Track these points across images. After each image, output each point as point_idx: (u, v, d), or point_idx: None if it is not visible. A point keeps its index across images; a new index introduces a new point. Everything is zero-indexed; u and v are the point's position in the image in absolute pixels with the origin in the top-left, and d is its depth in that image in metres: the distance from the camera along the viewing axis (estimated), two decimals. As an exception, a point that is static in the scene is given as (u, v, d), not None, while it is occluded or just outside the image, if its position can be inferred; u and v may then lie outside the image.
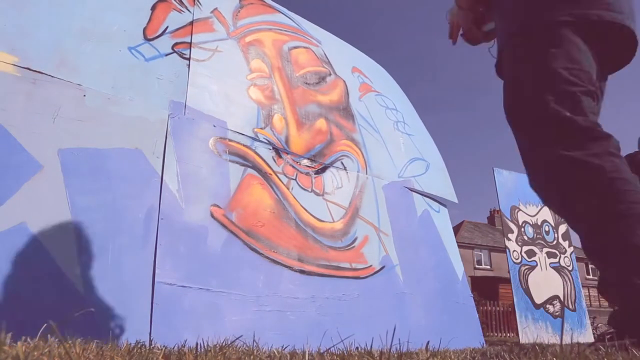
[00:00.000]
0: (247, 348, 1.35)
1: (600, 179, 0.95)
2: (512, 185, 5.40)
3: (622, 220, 0.92)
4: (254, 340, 1.54)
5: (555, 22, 1.11)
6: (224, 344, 1.34)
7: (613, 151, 0.98)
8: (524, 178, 5.85)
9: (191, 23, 2.56)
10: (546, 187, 1.09)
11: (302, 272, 2.37)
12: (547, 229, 5.39)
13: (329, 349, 1.51)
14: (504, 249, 4.49)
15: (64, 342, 0.86)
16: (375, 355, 1.10)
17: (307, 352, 1.22)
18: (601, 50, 1.10)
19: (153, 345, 1.23)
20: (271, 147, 2.61)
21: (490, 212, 31.03)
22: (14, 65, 1.82)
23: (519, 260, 4.92)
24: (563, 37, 1.09)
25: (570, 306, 5.26)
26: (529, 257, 5.01)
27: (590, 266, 30.46)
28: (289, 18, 3.36)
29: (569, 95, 1.04)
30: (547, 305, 4.85)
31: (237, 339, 1.47)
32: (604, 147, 0.97)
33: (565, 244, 5.72)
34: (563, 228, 5.78)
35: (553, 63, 1.07)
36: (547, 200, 1.13)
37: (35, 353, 0.80)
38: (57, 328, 0.77)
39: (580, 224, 1.01)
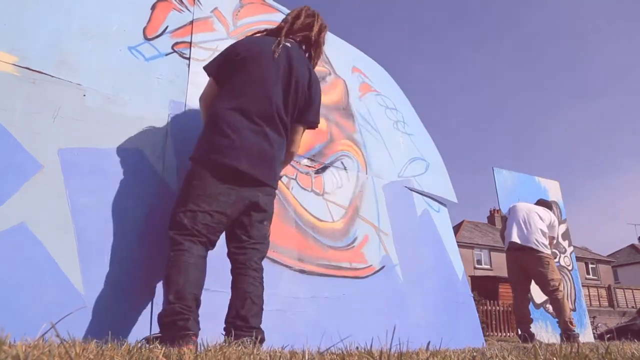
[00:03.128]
0: (247, 348, 1.35)
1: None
2: (512, 184, 5.41)
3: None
4: (254, 340, 1.54)
5: (201, 164, 1.77)
6: (224, 343, 1.34)
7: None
8: (524, 178, 5.91)
9: (191, 22, 2.56)
10: None
11: (302, 271, 2.37)
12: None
13: (329, 348, 1.51)
14: (503, 249, 4.48)
15: (64, 342, 0.86)
16: (375, 355, 1.10)
17: (307, 352, 1.22)
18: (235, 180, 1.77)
19: (153, 345, 1.23)
20: (271, 147, 2.61)
21: (490, 211, 31.02)
22: (14, 65, 1.82)
23: (519, 260, 4.91)
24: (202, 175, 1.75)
25: (570, 306, 5.26)
26: (529, 257, 5.01)
27: (590, 266, 30.48)
28: (289, 18, 3.36)
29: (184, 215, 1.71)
30: (547, 305, 4.85)
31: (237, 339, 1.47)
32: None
33: (565, 243, 5.73)
34: (563, 228, 5.78)
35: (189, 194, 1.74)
36: None
37: (35, 352, 0.80)
38: (56, 328, 0.77)
39: None
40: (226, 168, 1.74)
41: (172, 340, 1.45)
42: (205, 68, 1.96)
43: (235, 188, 1.76)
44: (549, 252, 4.17)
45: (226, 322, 1.72)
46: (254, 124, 1.81)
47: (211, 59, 2.01)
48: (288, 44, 1.99)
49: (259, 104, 1.84)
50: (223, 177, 1.74)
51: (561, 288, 4.06)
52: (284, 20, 2.10)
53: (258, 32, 2.15)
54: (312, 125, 2.09)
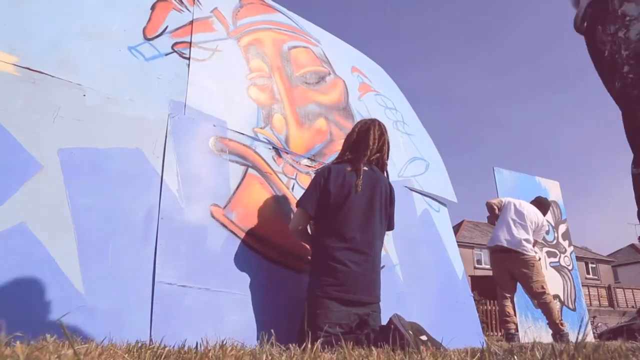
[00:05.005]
0: (247, 348, 1.35)
1: None
2: (512, 184, 5.41)
3: None
4: (259, 340, 1.54)
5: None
6: (224, 343, 1.34)
7: None
8: (524, 177, 5.91)
9: (191, 22, 2.56)
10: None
11: (301, 271, 2.37)
12: (547, 228, 5.38)
13: (329, 347, 1.51)
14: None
15: (70, 336, 0.86)
16: (376, 355, 1.10)
17: (307, 351, 1.22)
18: None
19: (153, 344, 1.24)
20: (271, 147, 2.61)
21: (491, 211, 30.93)
22: (14, 65, 1.82)
23: (518, 260, 4.91)
24: None
25: (570, 305, 5.26)
26: (529, 257, 5.01)
27: (590, 265, 30.47)
28: (289, 18, 3.36)
29: None
30: (547, 305, 4.84)
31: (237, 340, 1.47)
32: None
33: (565, 243, 5.73)
34: (563, 227, 5.78)
35: None
36: None
37: (35, 353, 0.80)
38: (58, 328, 0.77)
39: None
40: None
41: None
42: (301, 204, 2.21)
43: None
44: (534, 254, 4.19)
45: None
46: (359, 254, 2.10)
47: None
48: (365, 168, 2.26)
49: (361, 236, 2.13)
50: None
51: (548, 291, 4.06)
52: (357, 138, 2.34)
53: (340, 161, 2.33)
54: (390, 229, 2.46)
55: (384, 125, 2.39)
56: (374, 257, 2.19)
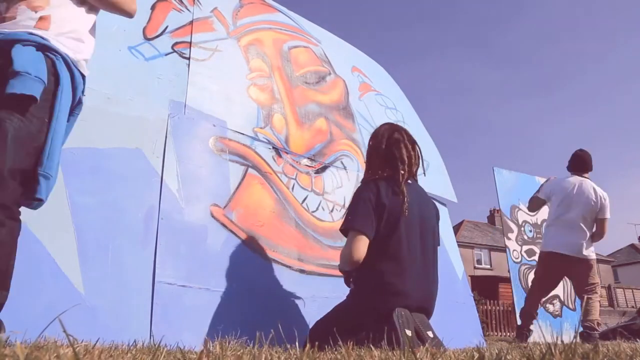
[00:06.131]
0: (247, 348, 1.35)
1: None
2: (512, 184, 5.40)
3: None
4: (259, 340, 1.54)
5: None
6: (223, 343, 1.34)
7: None
8: (524, 178, 5.90)
9: (191, 22, 2.56)
10: None
11: (301, 271, 2.37)
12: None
13: (330, 347, 1.51)
14: (503, 249, 4.49)
15: (70, 336, 0.86)
16: (376, 355, 1.10)
17: (307, 351, 1.22)
18: None
19: (153, 344, 1.24)
20: (271, 147, 2.61)
21: (490, 211, 31.00)
22: (14, 65, 1.82)
23: (519, 260, 4.92)
24: None
25: (570, 305, 5.25)
26: (529, 257, 5.01)
27: (590, 265, 30.40)
28: (289, 17, 3.36)
29: None
30: (547, 305, 4.85)
31: (239, 338, 1.47)
32: None
33: (565, 243, 5.71)
34: (563, 227, 5.77)
35: None
36: None
37: (35, 353, 0.80)
38: (58, 328, 0.77)
39: None
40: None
41: None
42: (357, 228, 1.83)
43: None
44: (593, 256, 3.85)
45: None
46: (420, 279, 1.84)
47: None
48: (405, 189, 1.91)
49: (421, 257, 1.87)
50: None
51: (598, 290, 3.82)
52: (388, 151, 2.02)
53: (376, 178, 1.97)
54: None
55: (410, 133, 2.11)
56: (435, 279, 1.95)
